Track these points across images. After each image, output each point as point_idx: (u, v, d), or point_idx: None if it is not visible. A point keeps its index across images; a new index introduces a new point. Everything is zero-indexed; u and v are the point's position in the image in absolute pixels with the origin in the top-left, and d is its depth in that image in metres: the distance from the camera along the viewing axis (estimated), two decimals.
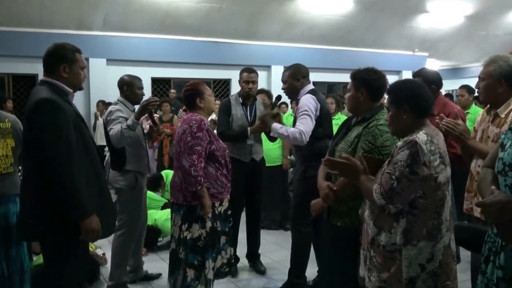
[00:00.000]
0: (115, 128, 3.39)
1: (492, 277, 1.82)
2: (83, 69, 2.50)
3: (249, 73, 4.06)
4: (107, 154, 7.70)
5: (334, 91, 12.20)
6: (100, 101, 9.11)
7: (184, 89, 3.19)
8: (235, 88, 10.28)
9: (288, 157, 5.53)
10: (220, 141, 3.17)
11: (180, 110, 7.48)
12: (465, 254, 3.70)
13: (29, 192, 2.33)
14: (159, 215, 4.86)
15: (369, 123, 2.44)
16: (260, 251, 4.36)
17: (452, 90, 12.82)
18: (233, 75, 9.25)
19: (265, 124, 3.64)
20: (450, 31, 12.87)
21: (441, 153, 2.01)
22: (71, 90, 2.45)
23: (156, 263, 4.30)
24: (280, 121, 3.71)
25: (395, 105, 2.12)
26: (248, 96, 4.08)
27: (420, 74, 3.40)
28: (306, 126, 3.36)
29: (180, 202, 3.00)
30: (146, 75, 9.27)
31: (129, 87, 3.69)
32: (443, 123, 2.62)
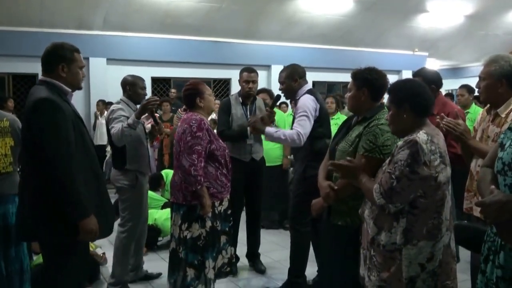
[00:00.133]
0: (116, 127, 3.42)
1: (491, 277, 1.82)
2: (81, 69, 2.50)
3: (249, 72, 4.06)
4: (109, 153, 7.77)
5: (334, 90, 12.21)
6: (100, 100, 9.13)
7: (184, 89, 3.20)
8: (235, 88, 10.28)
9: (289, 156, 5.53)
10: (220, 140, 3.17)
11: (179, 109, 7.48)
12: (465, 254, 3.70)
13: (28, 192, 2.33)
14: (159, 215, 4.86)
15: (370, 122, 2.44)
16: (260, 250, 4.36)
17: (452, 90, 12.82)
18: (233, 75, 9.24)
19: (256, 131, 3.59)
20: (450, 30, 12.87)
21: (441, 152, 2.01)
22: (70, 90, 2.45)
23: (156, 263, 4.30)
24: (273, 122, 3.68)
25: (395, 105, 2.12)
26: (248, 95, 4.08)
27: (420, 73, 3.40)
28: (304, 127, 3.35)
29: (180, 201, 3.00)
30: (146, 74, 9.25)
31: (131, 87, 3.72)
32: (444, 122, 2.61)
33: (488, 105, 2.73)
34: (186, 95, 3.17)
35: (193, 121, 2.97)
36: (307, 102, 3.42)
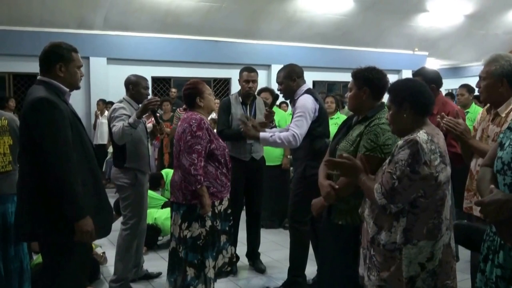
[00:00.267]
0: (117, 125, 3.46)
1: (491, 276, 1.82)
2: (79, 68, 2.49)
3: (249, 72, 4.06)
4: (110, 153, 7.78)
5: (334, 90, 12.21)
6: (100, 100, 9.13)
7: (184, 88, 3.20)
8: (235, 87, 10.29)
9: (289, 156, 5.53)
10: (220, 140, 3.17)
11: (178, 109, 7.49)
12: (465, 253, 3.71)
13: (26, 192, 2.32)
14: (159, 214, 4.86)
15: (371, 122, 2.44)
16: (260, 250, 4.36)
17: (452, 89, 12.82)
18: (233, 74, 9.26)
19: (250, 138, 3.58)
20: (450, 30, 12.88)
21: (441, 152, 2.01)
22: (68, 90, 2.44)
23: (156, 262, 4.31)
24: (272, 122, 3.66)
25: (396, 104, 2.12)
26: (248, 95, 4.08)
27: (420, 73, 3.40)
28: (300, 128, 3.34)
29: (180, 201, 3.00)
30: (146, 74, 9.17)
31: (134, 87, 3.74)
32: (444, 122, 2.62)
33: (488, 105, 2.73)
34: (186, 94, 3.17)
35: (193, 121, 2.97)
36: (306, 102, 3.41)
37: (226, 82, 11.55)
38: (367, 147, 2.37)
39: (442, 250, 2.03)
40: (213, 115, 5.70)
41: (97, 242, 3.93)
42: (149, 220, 4.55)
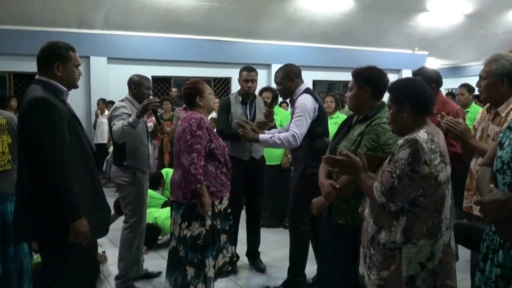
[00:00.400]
0: (117, 124, 3.48)
1: (490, 275, 1.83)
2: (77, 67, 2.48)
3: (248, 71, 4.06)
4: (110, 153, 7.78)
5: (334, 89, 12.21)
6: (100, 99, 9.13)
7: (184, 88, 3.20)
8: (236, 87, 10.27)
9: (289, 155, 5.53)
10: (220, 139, 3.17)
11: (177, 108, 7.49)
12: (464, 253, 3.71)
13: (25, 192, 2.31)
14: (159, 213, 4.87)
15: (372, 121, 2.44)
16: (260, 249, 4.37)
17: (452, 89, 12.82)
18: (234, 74, 9.25)
19: (249, 141, 3.59)
20: (450, 29, 12.87)
21: (441, 151, 2.01)
22: (66, 89, 2.43)
23: (156, 261, 4.31)
24: (271, 121, 3.66)
25: (396, 103, 2.12)
26: (248, 94, 4.08)
27: (420, 72, 3.40)
28: (300, 128, 3.34)
29: (180, 200, 3.00)
30: (147, 73, 9.17)
31: (137, 87, 3.78)
32: (444, 121, 2.62)
33: (488, 104, 2.74)
34: (186, 94, 3.17)
35: (193, 120, 2.97)
36: (306, 102, 3.41)
37: (226, 81, 11.55)
38: (368, 147, 2.37)
39: (442, 249, 2.03)
40: (213, 115, 5.70)
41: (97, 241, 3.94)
42: (149, 219, 4.55)
